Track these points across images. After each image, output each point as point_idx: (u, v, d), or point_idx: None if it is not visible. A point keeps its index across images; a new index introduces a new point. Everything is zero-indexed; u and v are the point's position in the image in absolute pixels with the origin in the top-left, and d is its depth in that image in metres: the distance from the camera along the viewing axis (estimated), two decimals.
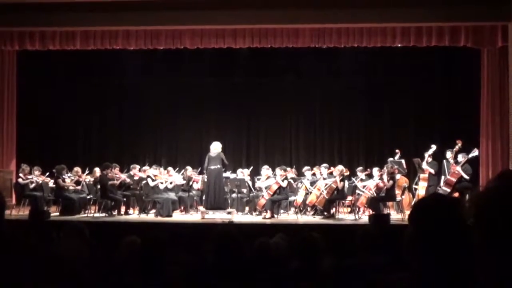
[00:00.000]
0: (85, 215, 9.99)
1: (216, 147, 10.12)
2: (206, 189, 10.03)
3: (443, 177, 10.20)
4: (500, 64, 10.66)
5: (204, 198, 10.36)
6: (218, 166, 9.97)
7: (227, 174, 10.84)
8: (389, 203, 10.22)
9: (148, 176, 10.30)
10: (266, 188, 10.02)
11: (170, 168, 11.41)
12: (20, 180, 10.28)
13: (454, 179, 9.89)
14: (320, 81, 13.18)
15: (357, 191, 10.18)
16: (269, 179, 10.35)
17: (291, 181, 10.35)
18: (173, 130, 13.59)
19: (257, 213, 10.17)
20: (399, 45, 10.65)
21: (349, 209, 10.63)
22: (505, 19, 9.76)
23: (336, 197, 9.91)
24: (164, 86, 13.36)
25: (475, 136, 11.05)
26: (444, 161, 10.32)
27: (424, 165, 10.54)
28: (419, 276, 1.44)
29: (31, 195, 10.11)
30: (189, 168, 11.37)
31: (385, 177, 9.61)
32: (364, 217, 9.85)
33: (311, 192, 10.10)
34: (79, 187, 10.54)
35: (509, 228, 1.08)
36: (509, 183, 1.14)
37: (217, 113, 13.44)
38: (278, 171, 10.06)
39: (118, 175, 10.36)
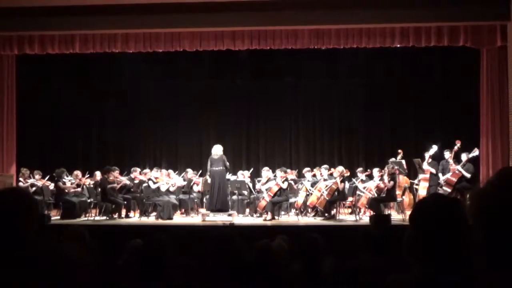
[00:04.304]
0: (86, 218, 9.97)
1: (217, 150, 10.11)
2: (210, 190, 9.98)
3: (441, 175, 10.20)
4: (499, 63, 10.65)
5: (207, 199, 10.33)
6: (222, 167, 9.98)
7: (228, 176, 10.82)
8: (390, 204, 10.21)
9: (149, 179, 10.31)
10: (266, 190, 10.02)
11: (170, 171, 11.41)
12: (20, 184, 10.27)
13: (454, 179, 9.88)
14: (319, 82, 13.18)
15: (358, 192, 10.17)
16: (270, 181, 10.34)
17: (292, 182, 10.36)
18: (173, 132, 13.57)
19: (258, 215, 10.16)
20: (398, 45, 10.67)
21: (349, 210, 10.64)
22: (504, 19, 9.77)
23: (336, 198, 9.90)
24: (163, 88, 13.36)
25: (475, 136, 11.04)
26: (442, 161, 10.32)
27: (425, 165, 10.52)
28: (420, 276, 1.43)
29: None
30: (189, 170, 11.40)
31: (385, 177, 9.60)
32: (365, 218, 9.84)
33: (311, 194, 10.09)
34: (79, 189, 10.52)
35: (509, 226, 1.07)
36: (508, 181, 1.14)
37: (217, 115, 13.44)
38: (279, 172, 10.06)
39: (118, 178, 10.36)
